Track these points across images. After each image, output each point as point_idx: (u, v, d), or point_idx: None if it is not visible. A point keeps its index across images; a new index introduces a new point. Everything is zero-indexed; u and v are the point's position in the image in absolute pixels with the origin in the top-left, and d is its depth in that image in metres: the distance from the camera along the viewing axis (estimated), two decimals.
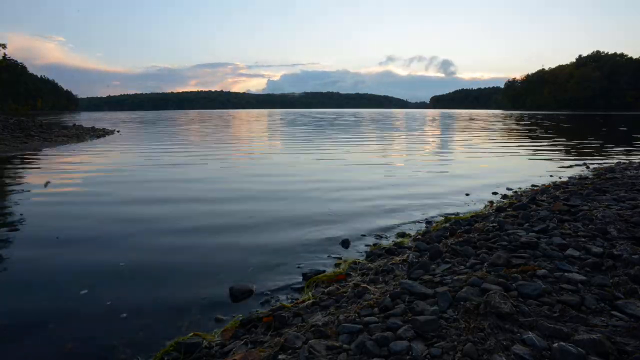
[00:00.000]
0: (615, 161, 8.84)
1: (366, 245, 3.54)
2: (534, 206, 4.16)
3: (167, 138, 16.68)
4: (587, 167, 8.00)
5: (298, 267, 3.07)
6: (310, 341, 1.77)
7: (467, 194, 5.51)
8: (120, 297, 2.59)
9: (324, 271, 2.92)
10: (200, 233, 3.91)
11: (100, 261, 3.21)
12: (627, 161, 8.69)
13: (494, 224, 3.50)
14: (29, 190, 5.93)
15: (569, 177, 6.74)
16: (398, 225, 4.10)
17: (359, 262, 3.06)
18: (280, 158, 9.90)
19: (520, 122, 31.12)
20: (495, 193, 5.57)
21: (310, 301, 2.39)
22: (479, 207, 4.82)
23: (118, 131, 20.46)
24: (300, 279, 2.87)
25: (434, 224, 4.09)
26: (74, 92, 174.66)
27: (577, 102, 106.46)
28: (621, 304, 1.88)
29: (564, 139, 15.67)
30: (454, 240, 3.23)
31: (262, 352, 1.78)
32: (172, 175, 7.24)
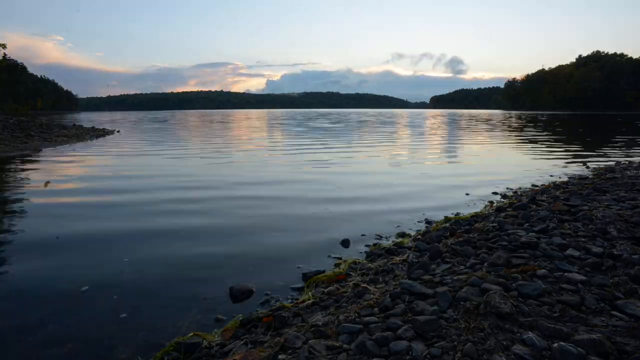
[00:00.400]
0: (615, 161, 8.84)
1: (366, 245, 3.54)
2: (534, 206, 4.16)
3: (166, 138, 16.68)
4: (587, 167, 8.00)
5: (298, 267, 3.06)
6: (310, 341, 1.77)
7: (467, 194, 5.51)
8: (120, 297, 2.60)
9: (324, 271, 2.92)
10: (200, 233, 3.91)
11: (100, 261, 3.21)
12: (627, 161, 8.69)
13: (494, 224, 3.50)
14: (29, 190, 5.93)
15: (569, 177, 6.74)
16: (398, 225, 4.10)
17: (359, 262, 3.06)
18: (280, 158, 9.90)
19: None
20: (495, 193, 5.58)
21: (310, 301, 2.39)
22: (479, 207, 4.82)
23: (118, 131, 20.47)
24: (300, 279, 2.87)
25: (434, 224, 4.09)
26: (73, 92, 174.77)
27: (577, 102, 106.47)
28: (621, 304, 1.88)
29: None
30: (454, 240, 3.23)
31: (262, 352, 1.78)
32: (171, 175, 7.24)
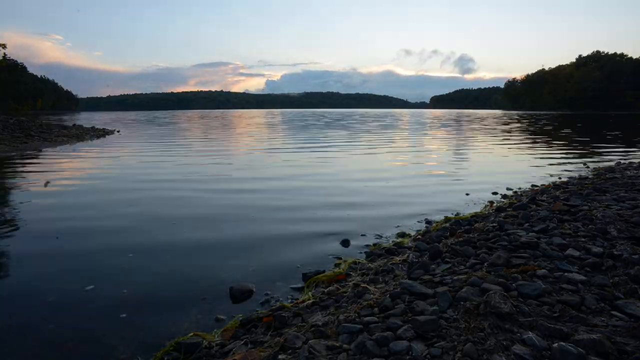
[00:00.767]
0: (615, 161, 8.84)
1: (366, 245, 3.54)
2: (534, 206, 4.16)
3: (166, 138, 16.68)
4: (587, 167, 8.00)
5: (298, 267, 3.06)
6: (310, 341, 1.77)
7: (467, 194, 5.51)
8: (120, 297, 2.59)
9: (324, 271, 2.92)
10: (200, 233, 3.91)
11: (100, 261, 3.21)
12: (627, 161, 8.69)
13: (494, 224, 3.50)
14: (29, 190, 5.93)
15: (569, 177, 6.74)
16: (398, 225, 4.10)
17: (359, 262, 3.06)
18: (281, 158, 9.90)
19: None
20: (495, 193, 5.58)
21: (310, 301, 2.39)
22: (479, 207, 4.82)
23: (118, 131, 20.47)
24: (300, 279, 2.87)
25: (434, 224, 4.09)
26: (73, 92, 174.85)
27: (577, 102, 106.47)
28: (621, 304, 1.88)
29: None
30: (454, 240, 3.23)
31: (262, 352, 1.78)
32: (172, 175, 7.24)
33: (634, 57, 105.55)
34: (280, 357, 1.71)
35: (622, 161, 8.72)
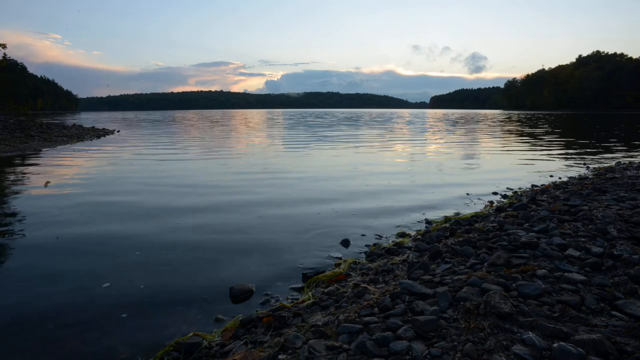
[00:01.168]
0: (615, 161, 8.85)
1: (366, 245, 3.54)
2: (534, 206, 4.16)
3: (166, 138, 16.68)
4: (587, 167, 8.00)
5: (298, 267, 3.06)
6: (310, 341, 1.77)
7: (467, 194, 5.51)
8: (119, 297, 2.59)
9: (324, 271, 2.92)
10: (200, 233, 3.90)
11: (100, 261, 3.21)
12: (627, 161, 8.69)
13: (494, 224, 3.50)
14: (28, 190, 5.93)
15: (569, 177, 6.74)
16: (398, 225, 4.10)
17: (359, 262, 3.06)
18: (281, 158, 9.90)
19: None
20: (495, 193, 5.58)
21: (310, 301, 2.39)
22: (479, 207, 4.82)
23: (118, 131, 20.48)
24: (300, 279, 2.87)
25: (434, 224, 4.09)
26: (73, 92, 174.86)
27: (577, 102, 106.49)
28: (621, 304, 1.87)
29: None
30: (454, 240, 3.23)
31: (262, 352, 1.78)
32: (172, 175, 7.24)
33: (634, 57, 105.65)
34: (280, 357, 1.71)
35: (622, 161, 8.72)
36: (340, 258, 3.23)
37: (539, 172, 7.49)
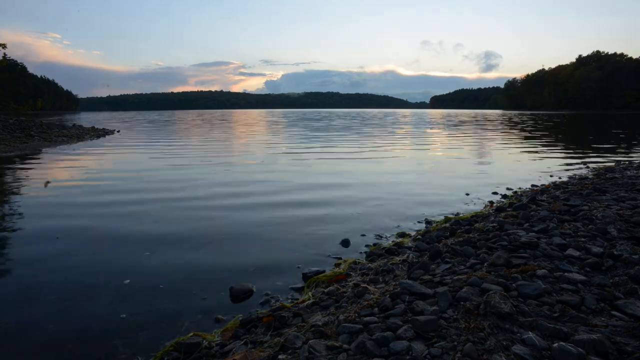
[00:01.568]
0: (615, 161, 8.85)
1: (366, 245, 3.54)
2: (534, 206, 4.16)
3: (165, 138, 16.68)
4: (587, 167, 8.00)
5: (298, 267, 3.06)
6: (310, 341, 1.77)
7: (467, 194, 5.51)
8: (119, 297, 2.59)
9: (324, 271, 2.92)
10: (200, 233, 3.90)
11: (100, 261, 3.21)
12: (627, 161, 8.69)
13: (494, 224, 3.50)
14: (28, 190, 5.93)
15: (569, 177, 6.74)
16: (398, 225, 4.10)
17: (359, 262, 3.06)
18: (280, 158, 9.90)
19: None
20: (495, 193, 5.58)
21: (310, 301, 2.39)
22: (479, 207, 4.82)
23: (118, 131, 20.47)
24: (300, 279, 2.87)
25: (434, 224, 4.09)
26: (73, 92, 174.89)
27: (577, 102, 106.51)
28: (621, 304, 1.87)
29: None
30: (454, 240, 3.23)
31: (262, 352, 1.78)
32: (171, 176, 7.24)
33: (634, 57, 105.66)
34: (280, 357, 1.71)
35: (622, 161, 8.72)
36: (340, 258, 3.23)
37: (539, 172, 7.49)
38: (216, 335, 2.12)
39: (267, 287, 2.74)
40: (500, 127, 24.57)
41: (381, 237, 3.77)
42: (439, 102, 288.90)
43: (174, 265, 3.13)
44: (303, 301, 2.42)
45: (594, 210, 3.64)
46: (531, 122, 33.31)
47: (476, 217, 4.09)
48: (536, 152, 11.18)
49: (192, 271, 3.01)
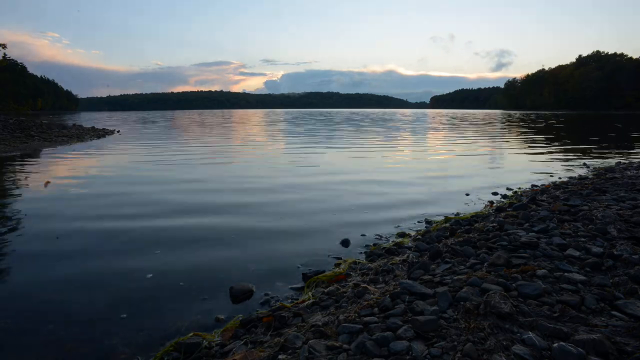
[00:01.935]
0: (615, 161, 8.84)
1: (366, 246, 3.54)
2: (534, 206, 4.16)
3: (165, 138, 16.68)
4: (587, 167, 8.00)
5: (298, 267, 3.07)
6: (310, 341, 1.77)
7: (467, 194, 5.51)
8: (119, 297, 2.59)
9: (324, 271, 2.92)
10: (200, 233, 3.90)
11: (100, 261, 3.21)
12: (627, 161, 8.69)
13: (494, 224, 3.50)
14: (28, 190, 5.93)
15: (569, 177, 6.74)
16: (398, 225, 4.10)
17: (359, 262, 3.06)
18: (280, 159, 9.90)
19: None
20: (495, 193, 5.57)
21: (310, 301, 2.39)
22: (479, 207, 4.82)
23: (118, 131, 20.47)
24: (300, 279, 2.87)
25: (434, 224, 4.09)
26: (73, 92, 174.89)
27: (577, 102, 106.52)
28: (621, 304, 1.87)
29: None
30: (454, 240, 3.23)
31: (262, 352, 1.78)
32: (171, 176, 7.24)
33: (634, 57, 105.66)
34: (280, 357, 1.71)
35: (622, 161, 8.72)
36: (340, 258, 3.23)
37: (539, 172, 7.49)
38: (216, 335, 2.12)
39: (267, 287, 2.74)
40: (500, 127, 24.57)
41: (381, 237, 3.77)
42: (439, 102, 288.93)
43: (174, 265, 3.13)
44: (303, 301, 2.42)
45: (594, 210, 3.64)
46: (530, 121, 33.31)
47: (476, 217, 4.09)
48: (536, 152, 11.18)
49: (192, 271, 3.01)
